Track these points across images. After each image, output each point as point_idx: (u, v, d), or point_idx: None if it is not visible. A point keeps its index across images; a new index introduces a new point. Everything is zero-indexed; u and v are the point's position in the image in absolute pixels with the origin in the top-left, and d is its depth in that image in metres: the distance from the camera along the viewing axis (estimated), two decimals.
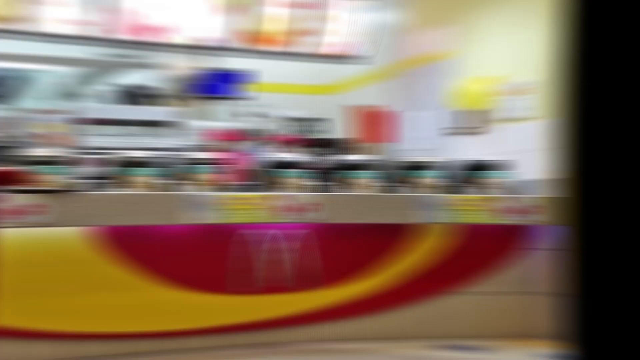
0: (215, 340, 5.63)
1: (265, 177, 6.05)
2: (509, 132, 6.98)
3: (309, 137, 8.27)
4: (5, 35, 7.37)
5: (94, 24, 7.50)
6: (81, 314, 5.33)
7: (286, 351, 5.59)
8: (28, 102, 11.98)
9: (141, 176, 5.46)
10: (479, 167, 6.32)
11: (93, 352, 5.34)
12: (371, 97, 9.06)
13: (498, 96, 7.05)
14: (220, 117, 9.54)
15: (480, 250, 6.28)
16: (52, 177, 5.13)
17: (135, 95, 9.44)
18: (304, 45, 8.43)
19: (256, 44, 8.25)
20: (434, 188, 6.12)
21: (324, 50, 8.52)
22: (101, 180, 5.68)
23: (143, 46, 8.12)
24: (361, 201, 5.80)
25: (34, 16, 7.22)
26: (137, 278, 5.45)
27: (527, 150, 6.69)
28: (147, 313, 5.50)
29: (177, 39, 8.01)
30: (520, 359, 5.45)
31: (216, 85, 9.04)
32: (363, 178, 6.01)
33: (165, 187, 5.52)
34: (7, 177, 1.49)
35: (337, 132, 9.85)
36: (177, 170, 5.80)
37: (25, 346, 5.15)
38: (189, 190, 5.53)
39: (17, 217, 4.87)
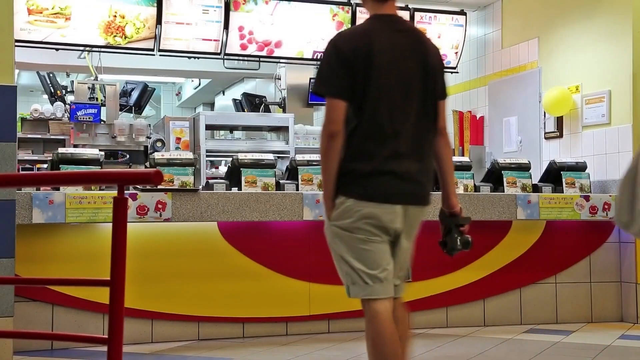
0: (317, 326, 6.04)
1: None
2: (586, 137, 7.26)
3: None
4: (133, 52, 7.95)
5: (213, 40, 7.96)
6: (198, 299, 5.76)
7: None
8: (152, 110, 12.74)
9: (254, 176, 5.88)
10: (560, 168, 6.68)
11: (209, 335, 5.79)
12: (463, 103, 9.33)
13: (576, 104, 7.34)
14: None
15: (562, 243, 6.63)
16: (174, 178, 5.66)
17: (251, 103, 9.95)
18: None
19: None
20: (520, 188, 6.48)
21: None
22: (219, 180, 6.11)
23: (256, 59, 8.51)
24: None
25: (157, 35, 7.77)
26: (256, 269, 5.87)
27: (602, 153, 7.05)
28: (264, 301, 5.90)
29: (288, 52, 8.39)
30: (603, 340, 5.70)
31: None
32: (457, 178, 6.39)
33: (279, 187, 5.96)
34: (154, 177, 1.87)
35: None
36: (289, 171, 6.26)
37: (144, 325, 5.64)
38: (301, 190, 5.95)
39: (141, 214, 5.42)
